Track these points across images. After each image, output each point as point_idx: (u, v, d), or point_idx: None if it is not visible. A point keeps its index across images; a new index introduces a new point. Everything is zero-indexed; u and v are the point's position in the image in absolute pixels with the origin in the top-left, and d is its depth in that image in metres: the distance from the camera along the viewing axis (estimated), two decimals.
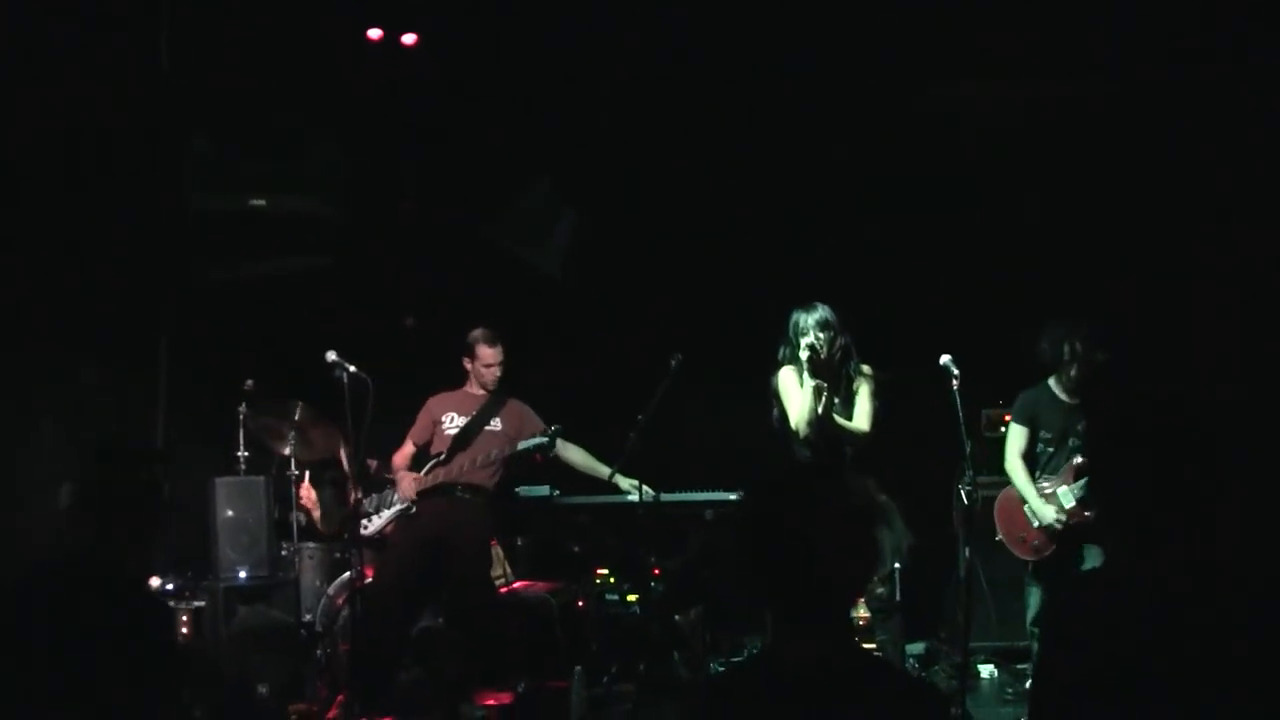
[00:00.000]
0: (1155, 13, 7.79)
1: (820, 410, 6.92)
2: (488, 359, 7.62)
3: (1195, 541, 2.56)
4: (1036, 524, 7.18)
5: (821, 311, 7.01)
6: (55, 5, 7.71)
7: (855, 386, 7.14)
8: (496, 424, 7.58)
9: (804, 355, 6.88)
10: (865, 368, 7.20)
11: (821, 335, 6.93)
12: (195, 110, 8.62)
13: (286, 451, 8.16)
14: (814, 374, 6.88)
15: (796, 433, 6.96)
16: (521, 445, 7.47)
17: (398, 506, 7.41)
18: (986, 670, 8.33)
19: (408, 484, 7.54)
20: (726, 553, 7.16)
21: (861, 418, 7.10)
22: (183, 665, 3.78)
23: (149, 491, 3.70)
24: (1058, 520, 7.04)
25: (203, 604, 7.52)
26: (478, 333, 7.71)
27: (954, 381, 6.75)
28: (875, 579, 7.02)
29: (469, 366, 7.71)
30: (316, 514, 8.40)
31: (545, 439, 7.45)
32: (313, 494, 8.38)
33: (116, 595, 3.55)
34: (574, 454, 7.78)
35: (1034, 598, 7.28)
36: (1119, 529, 2.69)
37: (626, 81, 8.82)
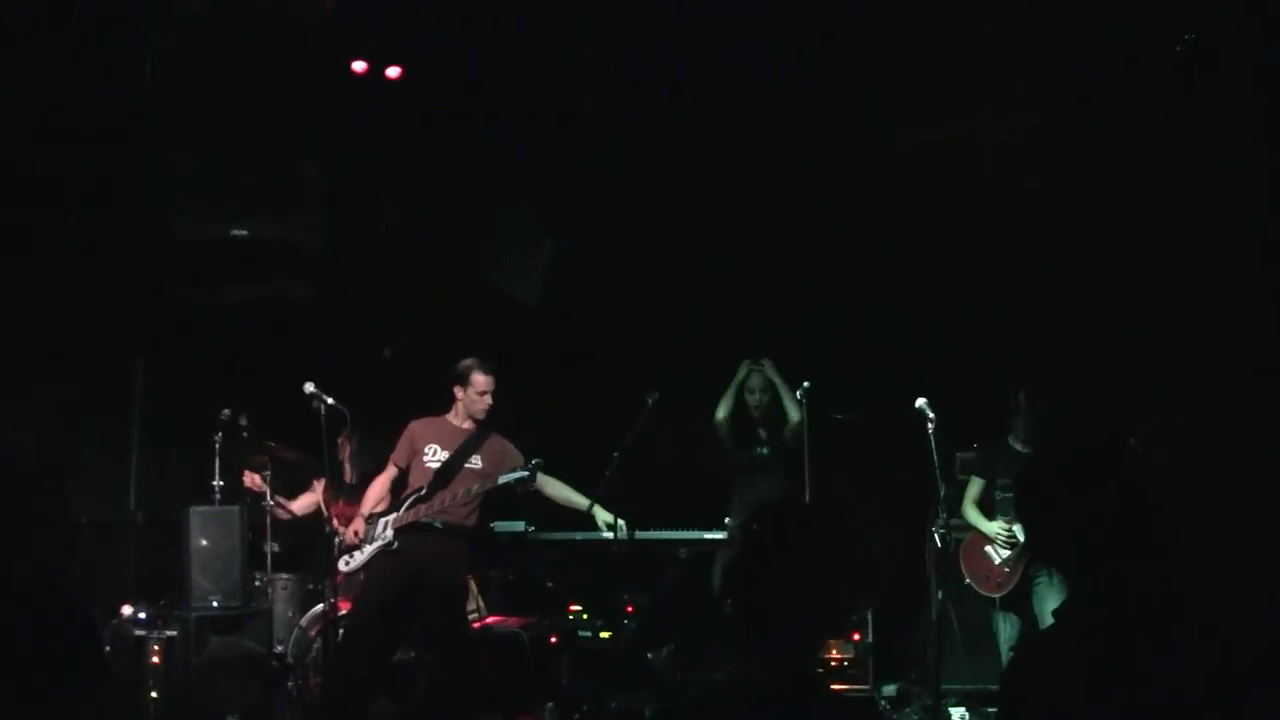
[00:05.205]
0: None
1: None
2: (482, 386, 7.50)
3: (1122, 584, 2.60)
4: (998, 560, 7.40)
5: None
6: (41, 24, 7.73)
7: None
8: (477, 461, 7.51)
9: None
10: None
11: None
12: (179, 135, 8.65)
13: (253, 484, 8.20)
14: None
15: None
16: (502, 479, 7.43)
17: (379, 543, 7.37)
18: (957, 713, 8.32)
19: (349, 534, 7.50)
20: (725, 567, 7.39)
21: (791, 408, 8.27)
22: (106, 677, 3.73)
23: (53, 506, 3.69)
24: (1002, 530, 7.38)
25: (174, 633, 7.50)
26: (471, 361, 7.57)
27: (929, 425, 6.83)
28: None
29: (460, 395, 7.57)
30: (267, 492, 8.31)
31: (525, 472, 7.40)
32: (256, 478, 8.31)
33: (37, 615, 3.53)
34: (552, 487, 7.72)
35: (1004, 632, 7.47)
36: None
37: (612, 109, 8.88)
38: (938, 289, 9.02)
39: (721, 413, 8.58)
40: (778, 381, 8.40)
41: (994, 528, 7.41)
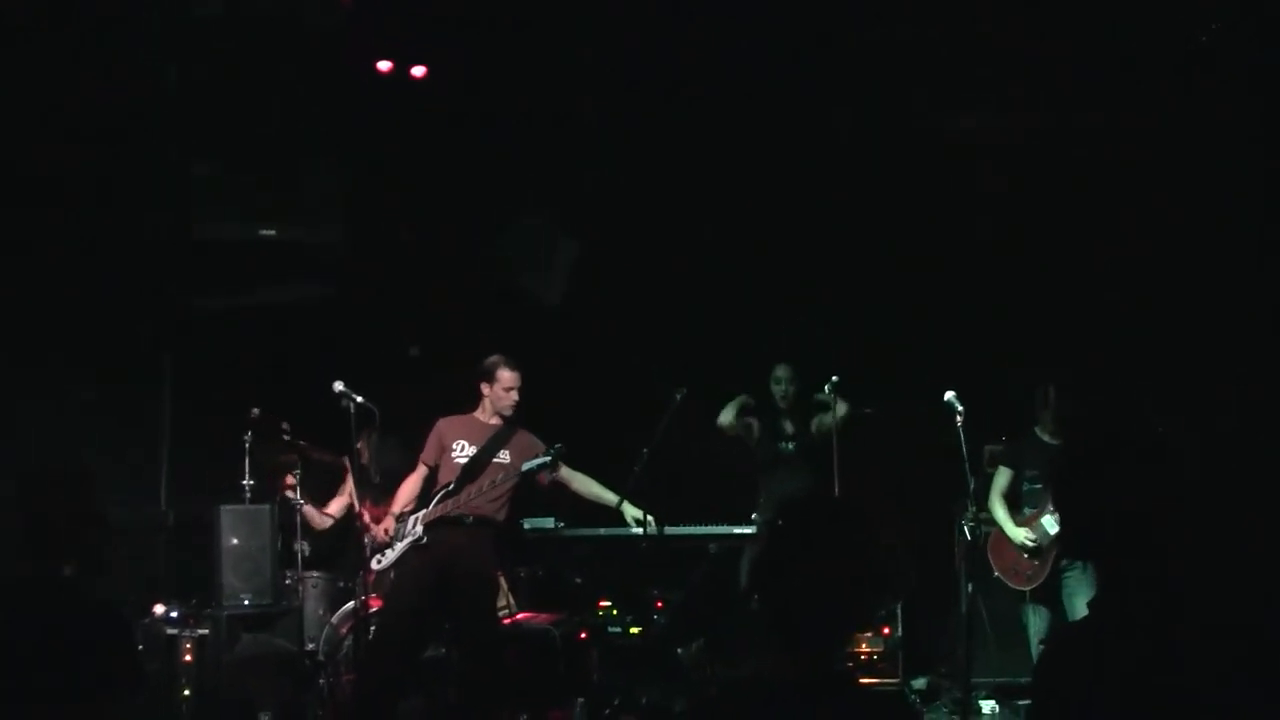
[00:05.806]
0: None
1: None
2: (509, 383, 7.50)
3: (1155, 577, 2.59)
4: (1026, 555, 7.35)
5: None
6: (41, 24, 7.76)
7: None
8: (504, 456, 7.50)
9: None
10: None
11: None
12: (202, 137, 8.69)
13: (290, 482, 8.21)
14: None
15: None
16: (525, 466, 7.44)
17: (409, 539, 7.40)
18: (988, 706, 8.33)
19: (380, 532, 7.54)
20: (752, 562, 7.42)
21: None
22: (140, 683, 3.76)
23: (88, 515, 3.71)
24: (1028, 539, 7.27)
25: (206, 631, 7.53)
26: (498, 358, 7.57)
27: (958, 418, 6.82)
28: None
29: (487, 392, 7.57)
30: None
31: (547, 458, 7.41)
32: (288, 477, 8.33)
33: (73, 618, 3.56)
34: (580, 483, 7.73)
35: (1034, 625, 7.44)
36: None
37: (608, 111, 8.89)
38: (945, 288, 9.00)
39: (724, 419, 8.61)
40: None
41: (1020, 535, 7.35)
